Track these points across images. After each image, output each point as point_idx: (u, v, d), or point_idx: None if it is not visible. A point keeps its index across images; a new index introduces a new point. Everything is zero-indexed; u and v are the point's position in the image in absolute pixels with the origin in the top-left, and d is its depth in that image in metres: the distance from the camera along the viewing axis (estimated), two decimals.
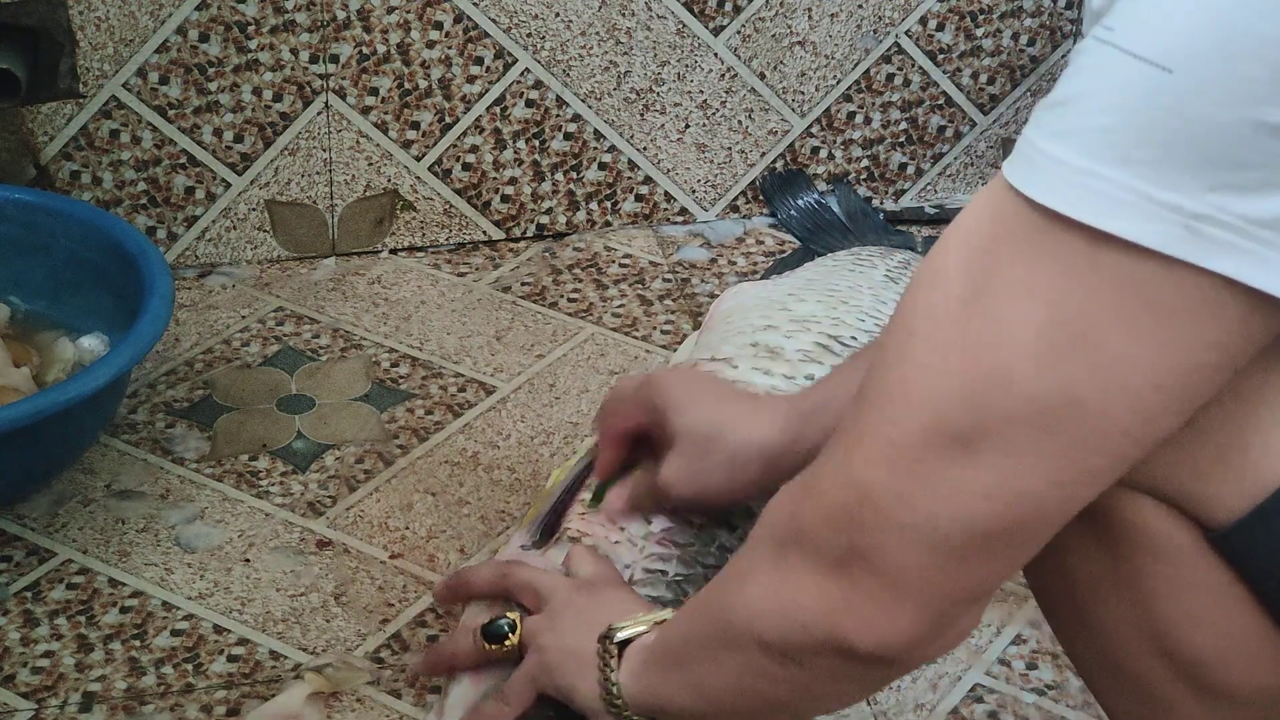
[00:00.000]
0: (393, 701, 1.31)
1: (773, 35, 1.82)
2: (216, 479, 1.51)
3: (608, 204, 1.85)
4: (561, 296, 1.76)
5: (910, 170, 1.92)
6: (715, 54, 1.81)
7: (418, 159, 1.79)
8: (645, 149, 1.84)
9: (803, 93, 1.85)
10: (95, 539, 1.45)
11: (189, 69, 1.69)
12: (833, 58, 1.84)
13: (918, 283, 0.86)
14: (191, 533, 1.46)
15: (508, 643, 1.16)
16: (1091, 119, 0.79)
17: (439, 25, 1.73)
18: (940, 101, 1.89)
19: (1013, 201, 0.81)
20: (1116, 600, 0.95)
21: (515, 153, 1.81)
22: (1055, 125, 0.80)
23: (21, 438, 1.36)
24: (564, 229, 1.85)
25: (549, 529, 1.28)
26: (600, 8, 1.76)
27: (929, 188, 1.93)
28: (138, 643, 1.36)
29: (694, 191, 1.87)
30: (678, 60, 1.81)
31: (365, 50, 1.73)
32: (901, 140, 1.90)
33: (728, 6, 1.79)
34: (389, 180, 1.79)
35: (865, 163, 1.90)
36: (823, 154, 1.89)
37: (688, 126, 1.84)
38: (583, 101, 1.80)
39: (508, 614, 1.17)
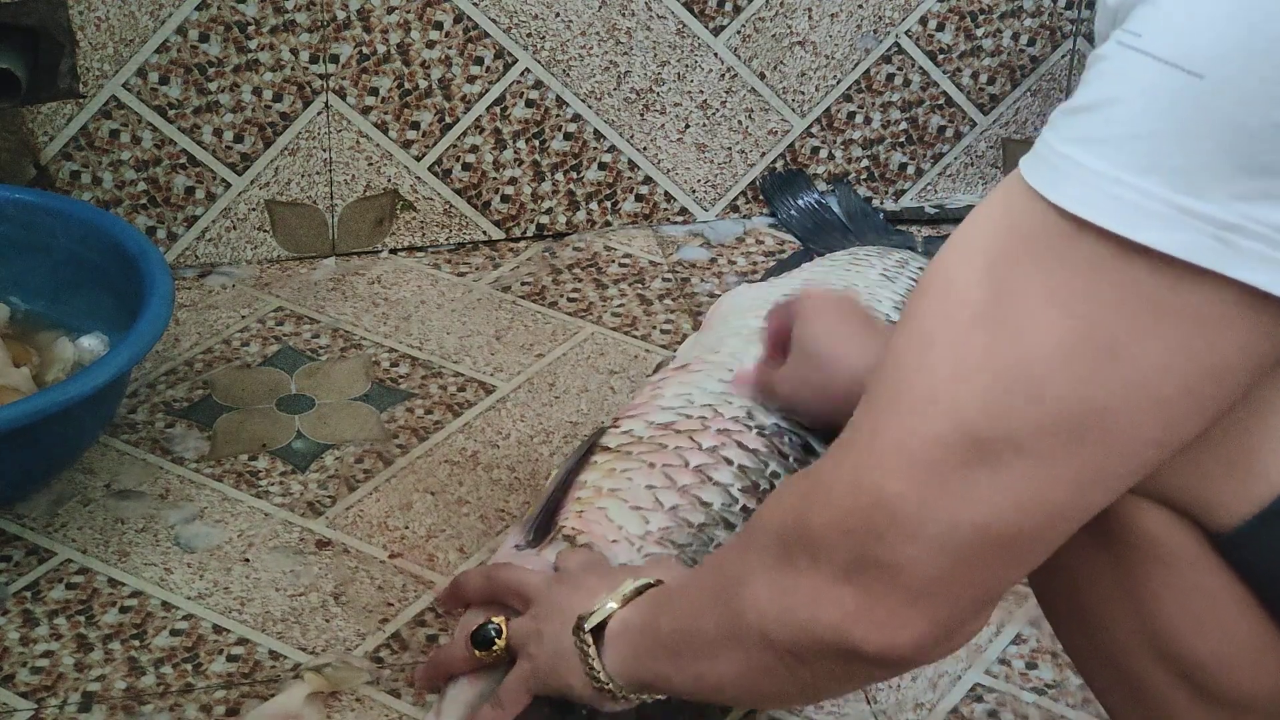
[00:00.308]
0: (392, 701, 1.31)
1: (773, 35, 1.82)
2: (216, 479, 1.51)
3: (608, 204, 1.85)
4: (561, 296, 1.76)
5: (910, 170, 1.92)
6: (715, 54, 1.81)
7: (418, 159, 1.79)
8: (645, 149, 1.84)
9: (803, 93, 1.85)
10: (95, 539, 1.45)
11: (189, 69, 1.69)
12: (833, 58, 1.84)
13: (930, 289, 0.85)
14: (191, 532, 1.46)
15: (495, 648, 1.16)
16: (1118, 126, 0.78)
17: (439, 25, 1.73)
18: (940, 101, 1.89)
19: (1034, 207, 0.80)
20: (1119, 604, 0.95)
21: (515, 153, 1.81)
22: (1079, 131, 0.79)
23: (21, 438, 1.36)
24: (564, 229, 1.85)
25: (542, 528, 1.28)
26: (600, 8, 1.76)
27: (929, 188, 1.93)
28: (137, 642, 1.36)
29: (694, 191, 1.87)
30: (678, 60, 1.81)
31: (365, 50, 1.73)
32: (901, 140, 1.90)
33: (728, 6, 1.79)
34: (389, 180, 1.79)
35: (865, 163, 1.90)
36: (823, 154, 1.89)
37: (688, 126, 1.84)
38: (583, 101, 1.80)
39: (494, 619, 1.17)
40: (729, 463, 1.31)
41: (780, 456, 1.32)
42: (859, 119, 1.88)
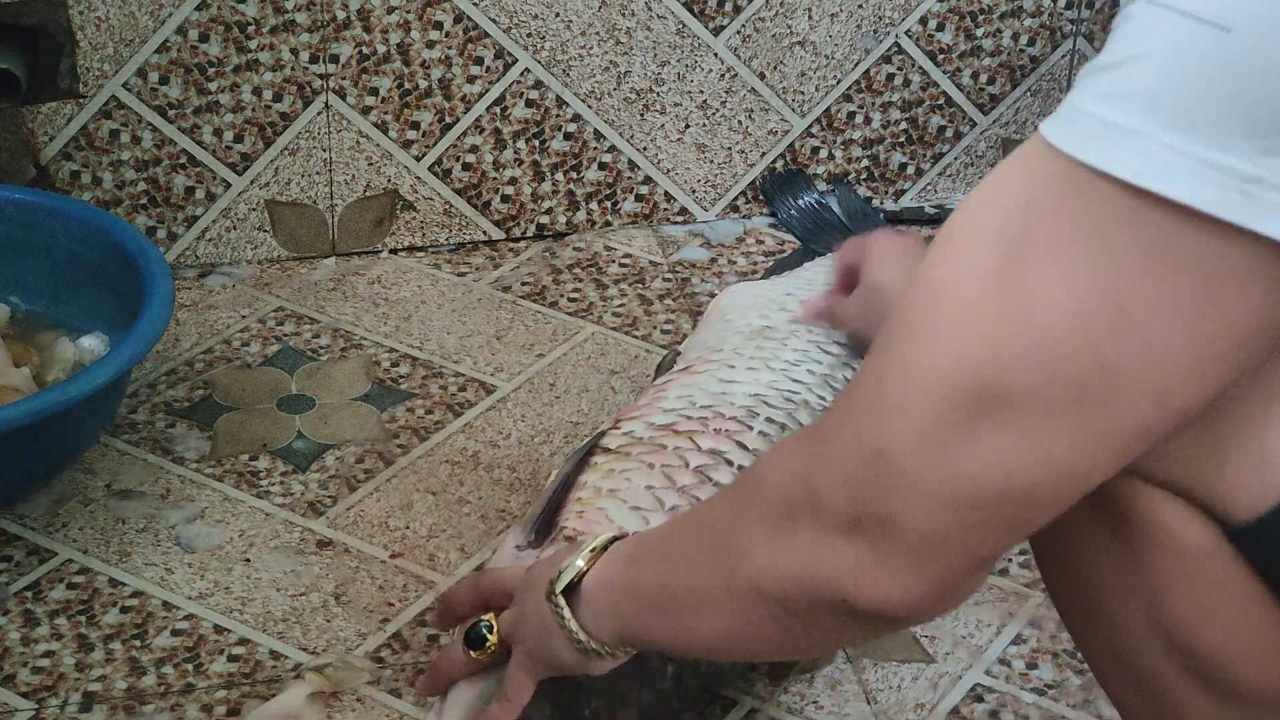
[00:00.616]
0: (393, 701, 1.31)
1: (773, 35, 1.82)
2: (217, 479, 1.51)
3: (608, 204, 1.85)
4: (561, 296, 1.76)
5: (910, 170, 1.92)
6: (715, 54, 1.81)
7: (418, 159, 1.79)
8: (645, 149, 1.84)
9: (803, 93, 1.85)
10: (95, 539, 1.45)
11: (189, 69, 1.69)
12: (833, 58, 1.84)
13: (942, 246, 0.84)
14: (191, 533, 1.46)
15: (489, 644, 1.16)
16: (1142, 80, 0.77)
17: (439, 25, 1.73)
18: (940, 101, 1.89)
19: (1051, 161, 0.79)
20: (1130, 595, 0.94)
21: (515, 153, 1.81)
22: (1102, 87, 0.78)
23: (21, 438, 1.36)
24: (564, 229, 1.85)
25: (544, 528, 1.28)
26: (600, 8, 1.76)
27: (929, 188, 1.93)
28: (138, 642, 1.36)
29: (694, 191, 1.87)
30: (678, 60, 1.81)
31: (365, 50, 1.73)
32: (901, 140, 1.90)
33: (728, 6, 1.79)
34: (389, 180, 1.79)
35: (865, 163, 1.90)
36: (823, 154, 1.89)
37: (688, 126, 1.84)
38: (583, 101, 1.80)
39: (483, 618, 1.17)
40: (729, 463, 1.30)
41: None
42: (859, 119, 1.88)
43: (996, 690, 1.34)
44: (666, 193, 1.86)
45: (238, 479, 1.51)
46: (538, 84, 1.78)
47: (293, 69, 1.72)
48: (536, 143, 1.81)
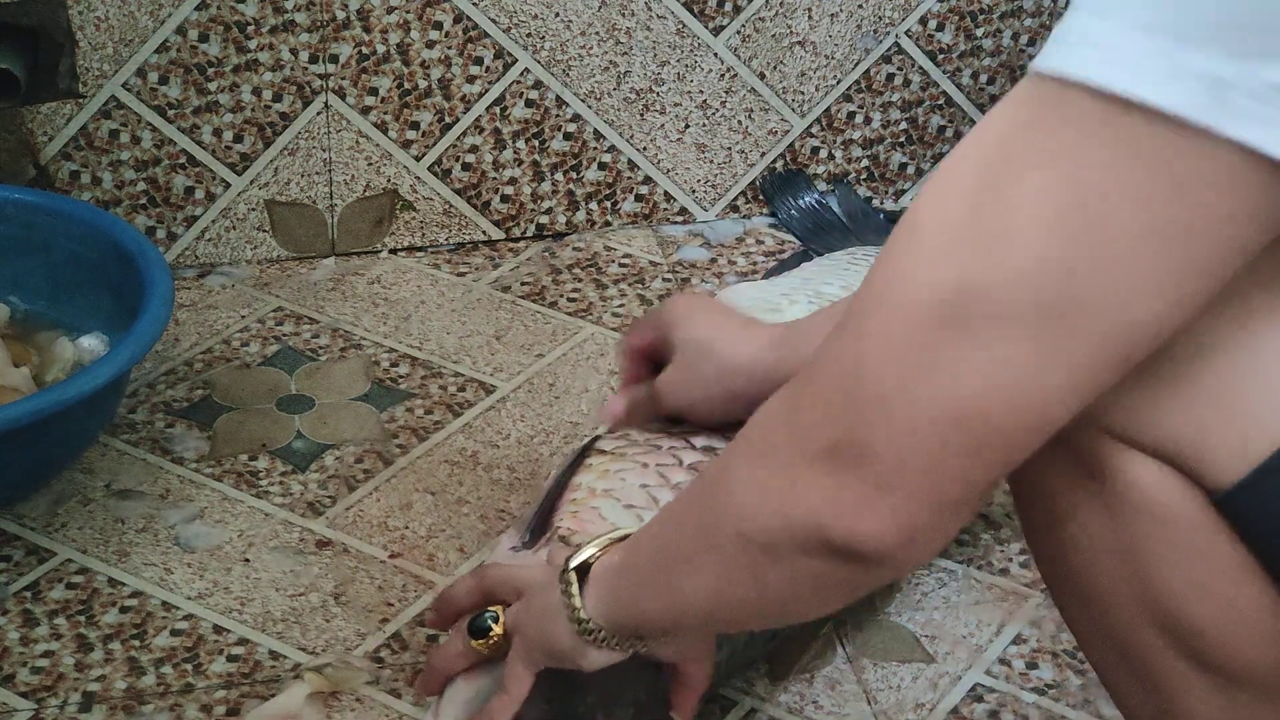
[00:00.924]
0: (392, 701, 1.31)
1: (773, 35, 1.82)
2: (216, 479, 1.51)
3: (607, 204, 1.85)
4: (561, 296, 1.76)
5: (910, 170, 1.92)
6: (715, 54, 1.81)
7: (417, 159, 1.79)
8: (645, 149, 1.84)
9: (803, 93, 1.85)
10: (95, 539, 1.45)
11: (189, 69, 1.69)
12: (833, 58, 1.84)
13: (926, 187, 0.84)
14: (191, 532, 1.46)
15: (493, 635, 1.15)
16: None
17: (439, 25, 1.73)
18: (940, 101, 1.89)
19: (1030, 85, 0.79)
20: (1117, 568, 0.93)
21: (515, 153, 1.81)
22: (1079, 2, 0.78)
23: (21, 438, 1.36)
24: (564, 229, 1.85)
25: (538, 529, 1.28)
26: (600, 8, 1.76)
27: None
28: (137, 642, 1.36)
29: (694, 191, 1.87)
30: (678, 60, 1.81)
31: (365, 50, 1.73)
32: (901, 140, 1.90)
33: (728, 6, 1.79)
34: (389, 180, 1.79)
35: (865, 163, 1.90)
36: (823, 154, 1.89)
37: (688, 126, 1.84)
38: (583, 101, 1.80)
39: (490, 608, 1.17)
40: None
41: None
42: (859, 119, 1.88)
43: (996, 690, 1.34)
44: (666, 193, 1.86)
45: (237, 479, 1.51)
46: (537, 84, 1.78)
47: (292, 69, 1.72)
48: (536, 143, 1.81)
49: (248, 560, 1.43)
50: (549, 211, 1.84)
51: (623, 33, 1.78)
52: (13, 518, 1.46)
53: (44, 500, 1.48)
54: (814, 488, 0.86)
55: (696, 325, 1.27)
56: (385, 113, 1.76)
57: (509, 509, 1.49)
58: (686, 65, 1.81)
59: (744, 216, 1.89)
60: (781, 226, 1.87)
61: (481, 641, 1.16)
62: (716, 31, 1.80)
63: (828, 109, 1.87)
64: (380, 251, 1.82)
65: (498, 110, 1.78)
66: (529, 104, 1.79)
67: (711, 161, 1.86)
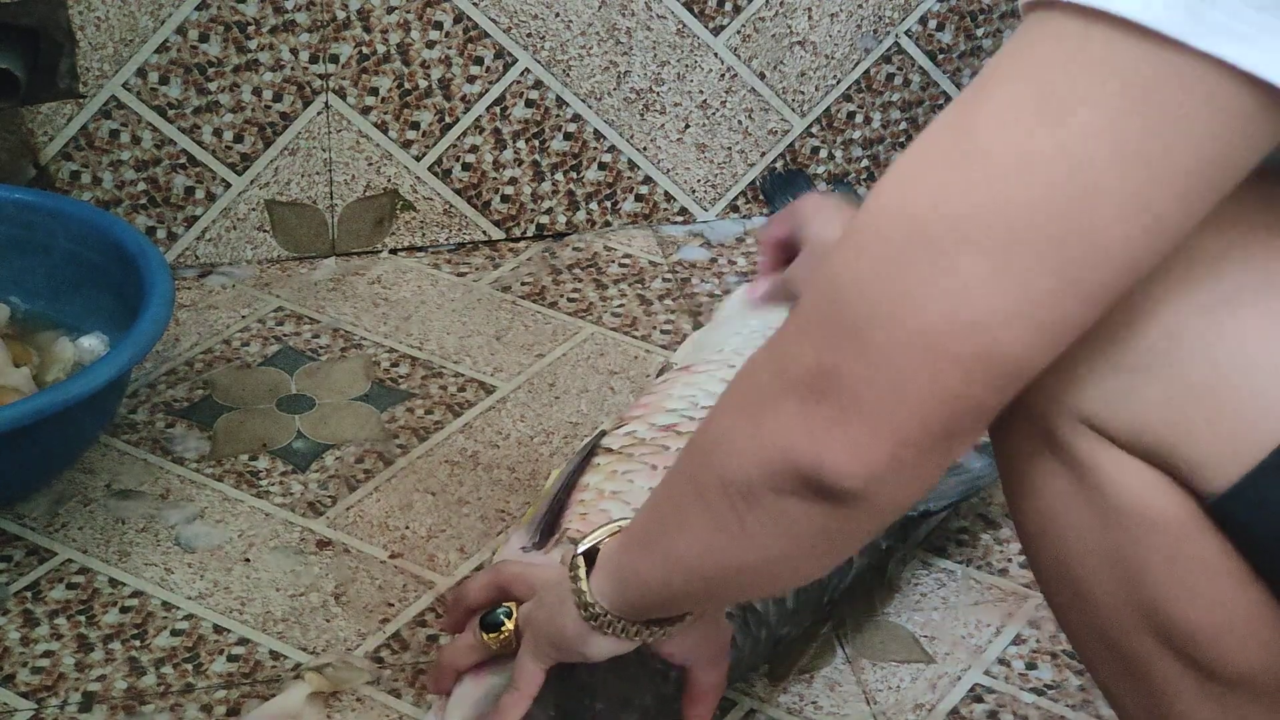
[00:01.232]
0: (393, 701, 1.31)
1: (773, 35, 1.82)
2: (216, 479, 1.51)
3: (608, 204, 1.85)
4: (561, 296, 1.76)
5: None
6: (715, 54, 1.81)
7: (418, 159, 1.79)
8: (645, 149, 1.84)
9: (803, 93, 1.85)
10: (95, 539, 1.45)
11: (189, 69, 1.70)
12: (833, 58, 1.84)
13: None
14: (191, 532, 1.46)
15: (504, 630, 1.15)
16: None
17: (439, 25, 1.73)
18: (940, 101, 1.89)
19: (1019, 25, 0.80)
20: (1109, 571, 0.92)
21: (515, 153, 1.81)
22: None
23: (21, 438, 1.36)
24: (564, 229, 1.86)
25: (548, 529, 1.28)
26: (600, 8, 1.76)
27: None
28: (138, 642, 1.36)
29: (694, 191, 1.87)
30: (678, 60, 1.81)
31: (365, 50, 1.73)
32: (902, 140, 1.90)
33: (728, 6, 1.79)
34: (389, 180, 1.79)
35: (865, 163, 1.90)
36: (823, 154, 1.89)
37: (688, 126, 1.84)
38: (583, 101, 1.80)
39: (504, 604, 1.17)
40: None
41: None
42: (859, 119, 1.88)
43: (996, 690, 1.34)
44: (666, 193, 1.86)
45: (237, 479, 1.51)
46: (538, 84, 1.78)
47: (292, 69, 1.72)
48: (536, 143, 1.81)
49: (248, 560, 1.43)
50: (549, 211, 1.84)
51: (623, 33, 1.78)
52: (13, 518, 1.46)
53: (44, 500, 1.48)
54: (785, 418, 0.86)
55: (826, 222, 1.36)
56: (385, 113, 1.76)
57: (509, 509, 1.49)
58: (686, 65, 1.81)
59: (744, 216, 1.89)
60: None
61: (493, 635, 1.16)
62: (716, 31, 1.80)
63: (828, 109, 1.87)
64: (380, 251, 1.82)
65: (498, 110, 1.78)
66: (529, 104, 1.79)
67: (711, 161, 1.86)
